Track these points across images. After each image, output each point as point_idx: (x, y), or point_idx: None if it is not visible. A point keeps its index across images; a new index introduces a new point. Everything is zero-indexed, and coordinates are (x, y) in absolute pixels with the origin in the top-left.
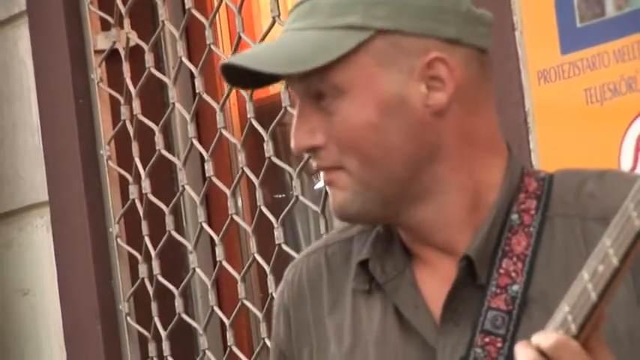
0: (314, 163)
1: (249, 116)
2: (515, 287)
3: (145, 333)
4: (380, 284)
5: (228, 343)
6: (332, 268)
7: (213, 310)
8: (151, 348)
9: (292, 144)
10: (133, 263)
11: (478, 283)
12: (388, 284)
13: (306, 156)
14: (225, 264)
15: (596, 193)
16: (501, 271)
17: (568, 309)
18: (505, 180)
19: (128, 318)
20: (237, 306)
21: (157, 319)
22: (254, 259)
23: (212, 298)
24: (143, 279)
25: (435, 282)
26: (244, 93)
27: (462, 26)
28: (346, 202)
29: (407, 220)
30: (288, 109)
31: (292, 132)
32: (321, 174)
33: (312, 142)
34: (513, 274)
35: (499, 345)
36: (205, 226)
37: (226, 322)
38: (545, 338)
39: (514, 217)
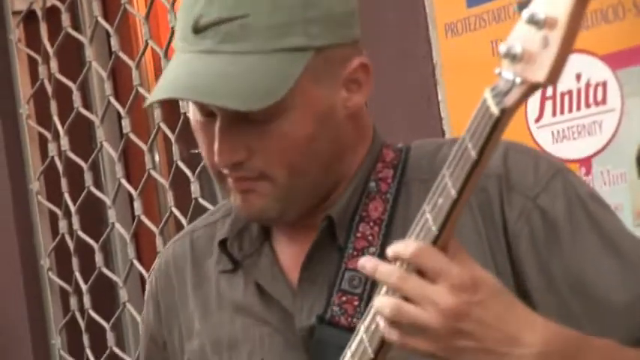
0: (232, 175)
1: None
2: (372, 249)
3: (67, 287)
4: (238, 261)
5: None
6: (196, 252)
7: (132, 263)
8: (73, 301)
9: (218, 160)
10: (53, 219)
11: (337, 245)
12: (247, 260)
13: None
14: (143, 218)
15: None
16: (358, 234)
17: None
18: (367, 153)
19: (49, 273)
20: (155, 259)
21: (77, 274)
22: (171, 212)
23: (131, 251)
24: (63, 234)
25: (294, 250)
26: (159, 50)
27: (357, 24)
28: (267, 208)
29: (309, 212)
30: None
31: (215, 149)
32: (231, 183)
33: (237, 158)
34: (370, 238)
35: (356, 303)
36: (123, 181)
37: (145, 275)
38: (404, 247)
39: (372, 184)
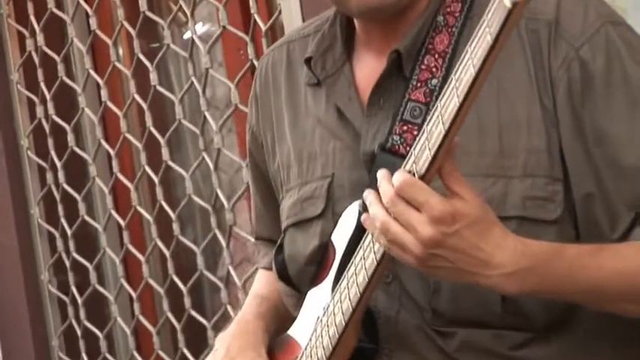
0: None
1: None
2: (435, 81)
3: (43, 164)
4: (320, 80)
5: (114, 170)
6: (291, 62)
7: (100, 143)
8: (49, 177)
9: None
10: (31, 105)
11: (403, 75)
12: (328, 79)
13: (174, 9)
14: (109, 104)
15: None
16: (423, 66)
17: (439, 110)
18: None
19: (28, 152)
20: (120, 139)
21: (53, 153)
22: (133, 98)
23: (99, 131)
24: (40, 118)
25: (371, 75)
26: None
27: None
28: None
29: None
30: None
31: None
32: None
33: None
34: (434, 70)
35: (415, 133)
36: (92, 72)
37: (111, 151)
38: (395, 178)
39: (440, 18)
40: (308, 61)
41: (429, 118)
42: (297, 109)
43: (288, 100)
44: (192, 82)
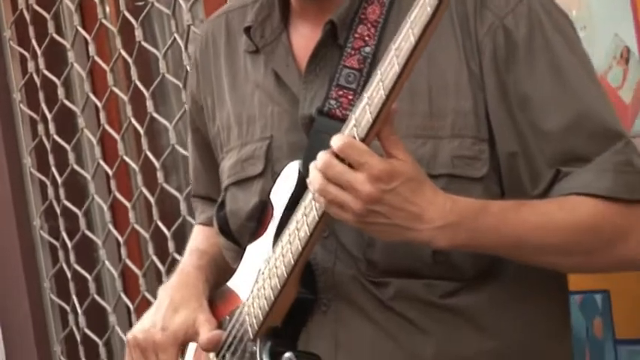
0: None
1: None
2: (367, 49)
3: (35, 116)
4: (259, 48)
5: (101, 122)
6: (230, 32)
7: (88, 96)
8: (40, 128)
9: None
10: (23, 61)
11: (338, 43)
12: (266, 47)
13: None
14: (97, 58)
15: None
16: (356, 35)
17: (379, 77)
18: None
19: (21, 105)
20: (107, 92)
21: (44, 105)
22: (120, 54)
23: (87, 85)
24: (31, 73)
25: (307, 45)
26: None
27: None
28: None
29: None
30: None
31: None
32: None
33: None
34: (367, 38)
35: (350, 97)
36: (80, 29)
37: (99, 104)
38: (335, 140)
39: None
40: (247, 29)
41: (369, 84)
42: (237, 74)
43: (227, 66)
44: (175, 38)
